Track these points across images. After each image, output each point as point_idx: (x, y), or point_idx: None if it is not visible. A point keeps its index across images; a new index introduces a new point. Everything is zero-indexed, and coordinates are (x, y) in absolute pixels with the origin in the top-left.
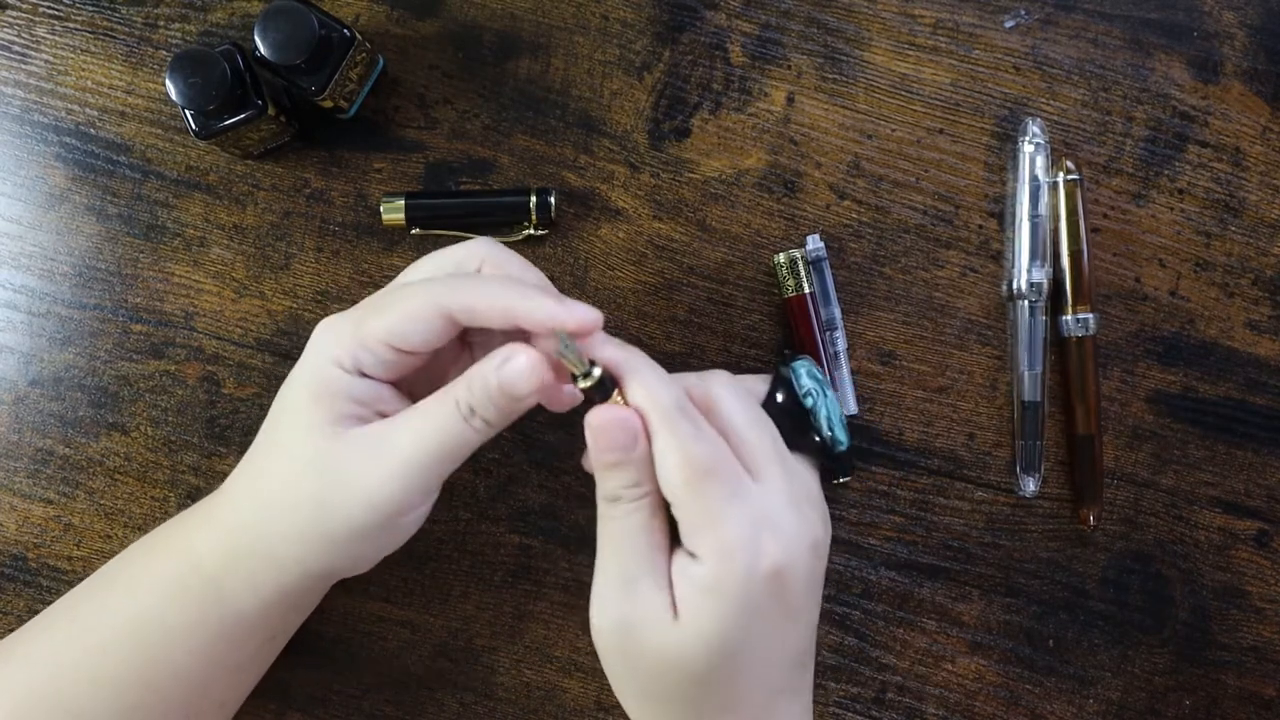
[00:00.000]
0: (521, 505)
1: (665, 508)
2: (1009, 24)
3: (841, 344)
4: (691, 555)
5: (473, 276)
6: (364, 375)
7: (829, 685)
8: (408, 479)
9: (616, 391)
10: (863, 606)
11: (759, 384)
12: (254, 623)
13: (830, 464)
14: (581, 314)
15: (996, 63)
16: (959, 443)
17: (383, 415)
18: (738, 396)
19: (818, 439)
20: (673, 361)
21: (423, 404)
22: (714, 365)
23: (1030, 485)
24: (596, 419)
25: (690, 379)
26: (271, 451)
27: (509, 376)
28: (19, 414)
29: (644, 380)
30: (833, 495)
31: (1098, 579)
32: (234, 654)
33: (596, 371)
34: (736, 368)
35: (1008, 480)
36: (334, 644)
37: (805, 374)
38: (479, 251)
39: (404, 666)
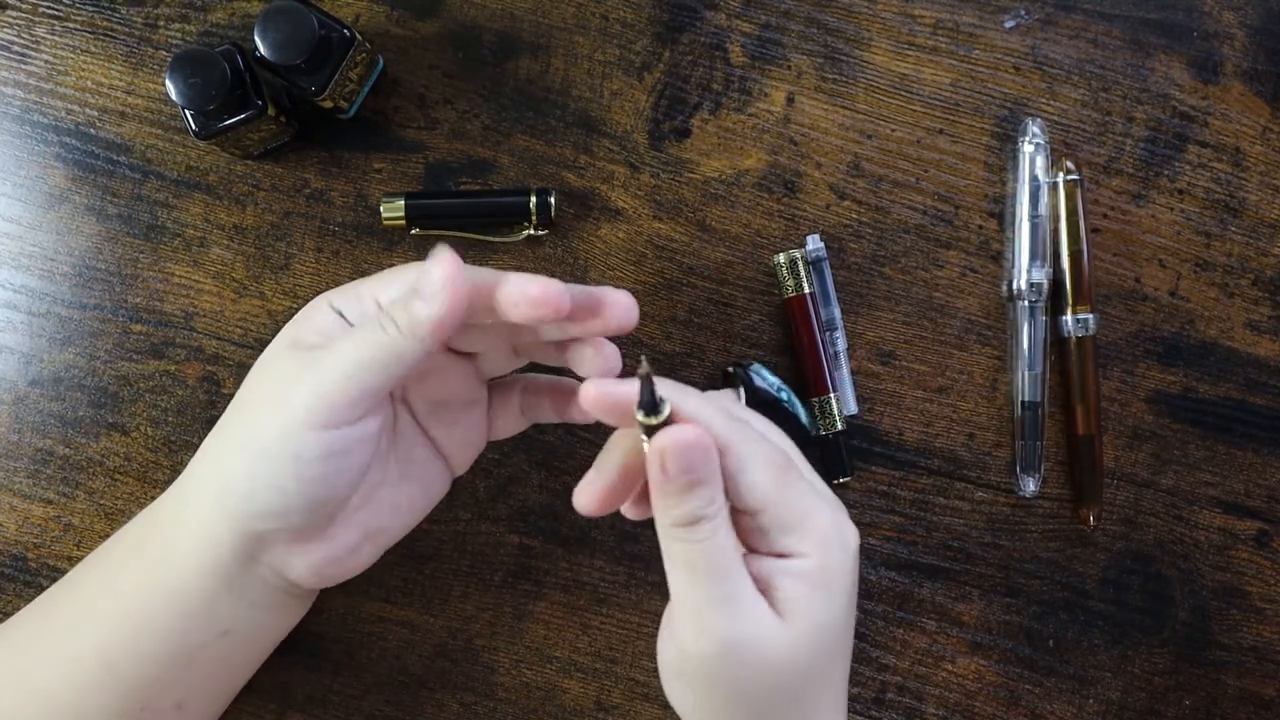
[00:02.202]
0: (521, 505)
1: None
2: (1009, 24)
3: (841, 344)
4: (783, 555)
5: (450, 263)
6: (341, 314)
7: None
8: (321, 383)
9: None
10: (863, 606)
11: (731, 396)
12: (198, 599)
13: (803, 449)
14: (536, 290)
15: (996, 63)
16: (959, 443)
17: None
18: (740, 407)
19: (801, 428)
20: (673, 361)
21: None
22: (714, 365)
23: (1030, 485)
24: (668, 442)
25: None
26: (233, 412)
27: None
28: (19, 414)
29: (695, 396)
30: None
31: (1098, 579)
32: (184, 637)
33: (667, 409)
34: (736, 368)
35: (1008, 480)
36: (334, 644)
37: (767, 372)
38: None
39: (404, 666)
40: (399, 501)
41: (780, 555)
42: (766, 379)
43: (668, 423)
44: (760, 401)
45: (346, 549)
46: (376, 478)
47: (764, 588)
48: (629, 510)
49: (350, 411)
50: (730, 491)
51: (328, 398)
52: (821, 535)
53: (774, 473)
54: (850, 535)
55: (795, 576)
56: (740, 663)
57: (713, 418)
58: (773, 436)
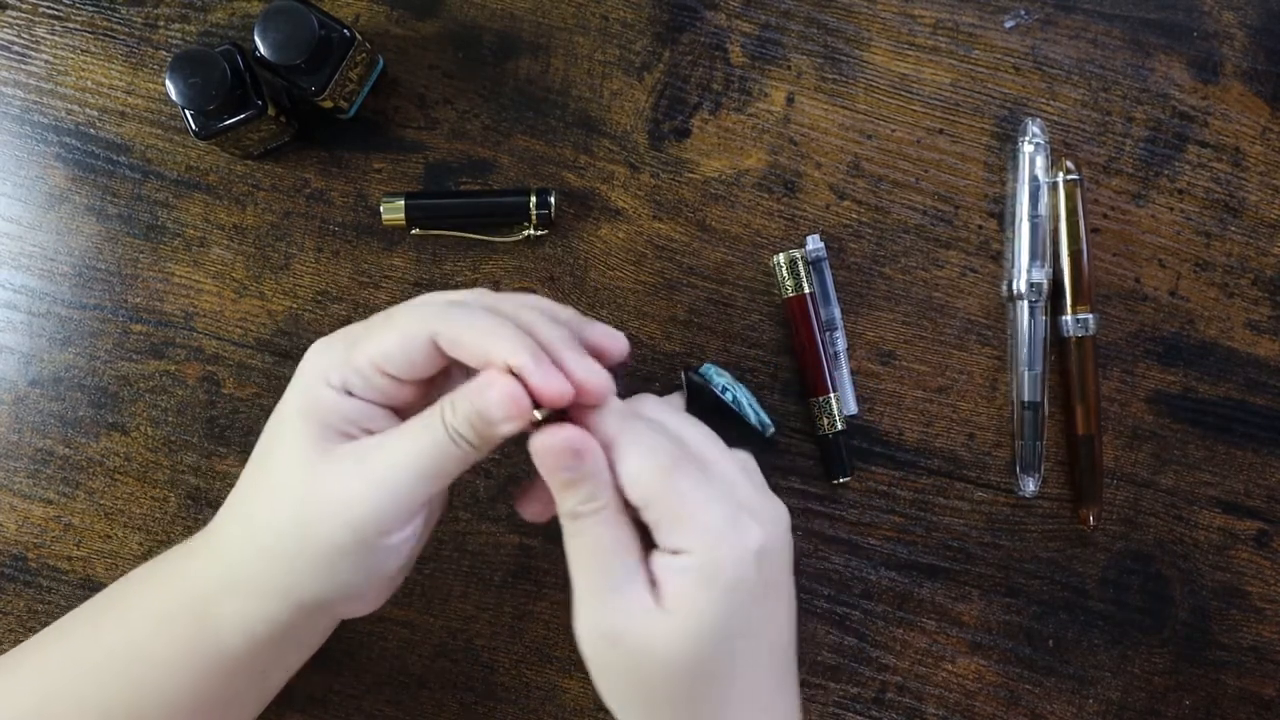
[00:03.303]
0: None
1: (626, 515)
2: (1009, 24)
3: (841, 344)
4: (674, 552)
5: (467, 308)
6: (353, 395)
7: (829, 685)
8: (387, 493)
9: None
10: (863, 606)
11: (676, 399)
12: (243, 659)
13: (762, 450)
14: (553, 388)
15: (996, 63)
16: (959, 443)
17: (370, 434)
18: (666, 406)
19: (750, 428)
20: (673, 361)
21: (409, 421)
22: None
23: (1030, 485)
24: (541, 442)
25: (632, 401)
26: (259, 474)
27: (484, 403)
28: (19, 414)
29: (598, 412)
30: (832, 495)
31: (1098, 579)
32: (223, 690)
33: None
34: (736, 368)
35: (1008, 480)
36: (334, 644)
37: (715, 374)
38: (482, 300)
39: (404, 666)
40: (428, 520)
41: (672, 552)
42: (714, 380)
43: (550, 421)
44: (705, 404)
45: (391, 589)
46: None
47: (655, 582)
48: (525, 512)
49: (418, 513)
50: (620, 485)
51: (398, 507)
52: (707, 532)
53: (656, 469)
54: (750, 535)
55: (679, 572)
56: (621, 652)
57: (601, 413)
58: (686, 432)
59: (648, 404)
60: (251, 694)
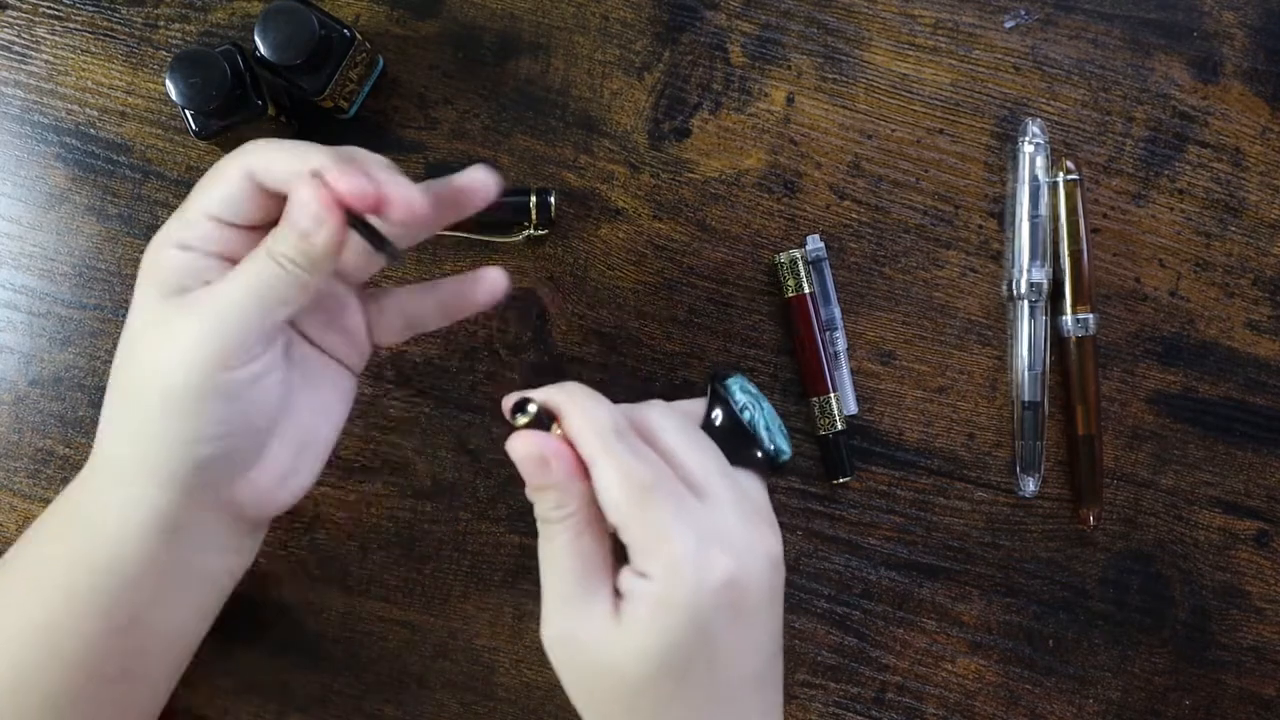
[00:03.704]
0: (521, 505)
1: (599, 528)
2: (1009, 24)
3: (841, 344)
4: (641, 575)
5: (281, 141)
6: (192, 248)
7: (829, 685)
8: (216, 323)
9: (555, 424)
10: (863, 606)
11: (696, 406)
12: (135, 561)
13: (775, 475)
14: (356, 185)
15: (996, 63)
16: (959, 443)
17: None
18: (673, 420)
19: (760, 453)
20: (673, 361)
21: (241, 263)
22: (714, 366)
23: (1030, 485)
24: (514, 446)
25: (626, 408)
26: (117, 353)
27: (296, 214)
28: (19, 414)
29: (580, 407)
30: (832, 495)
31: (1098, 579)
32: (123, 601)
33: (532, 408)
34: (737, 368)
35: (1008, 480)
36: (334, 644)
37: (739, 390)
38: (243, 165)
39: (404, 666)
40: (315, 406)
41: (638, 574)
42: (735, 396)
43: (539, 422)
44: (723, 428)
45: (286, 466)
46: (286, 389)
47: (622, 597)
48: None
49: (258, 347)
50: (600, 504)
51: (234, 339)
52: (671, 561)
53: (628, 493)
54: (715, 570)
55: (640, 597)
56: (576, 657)
57: (580, 432)
58: (680, 452)
59: (652, 413)
60: (158, 617)
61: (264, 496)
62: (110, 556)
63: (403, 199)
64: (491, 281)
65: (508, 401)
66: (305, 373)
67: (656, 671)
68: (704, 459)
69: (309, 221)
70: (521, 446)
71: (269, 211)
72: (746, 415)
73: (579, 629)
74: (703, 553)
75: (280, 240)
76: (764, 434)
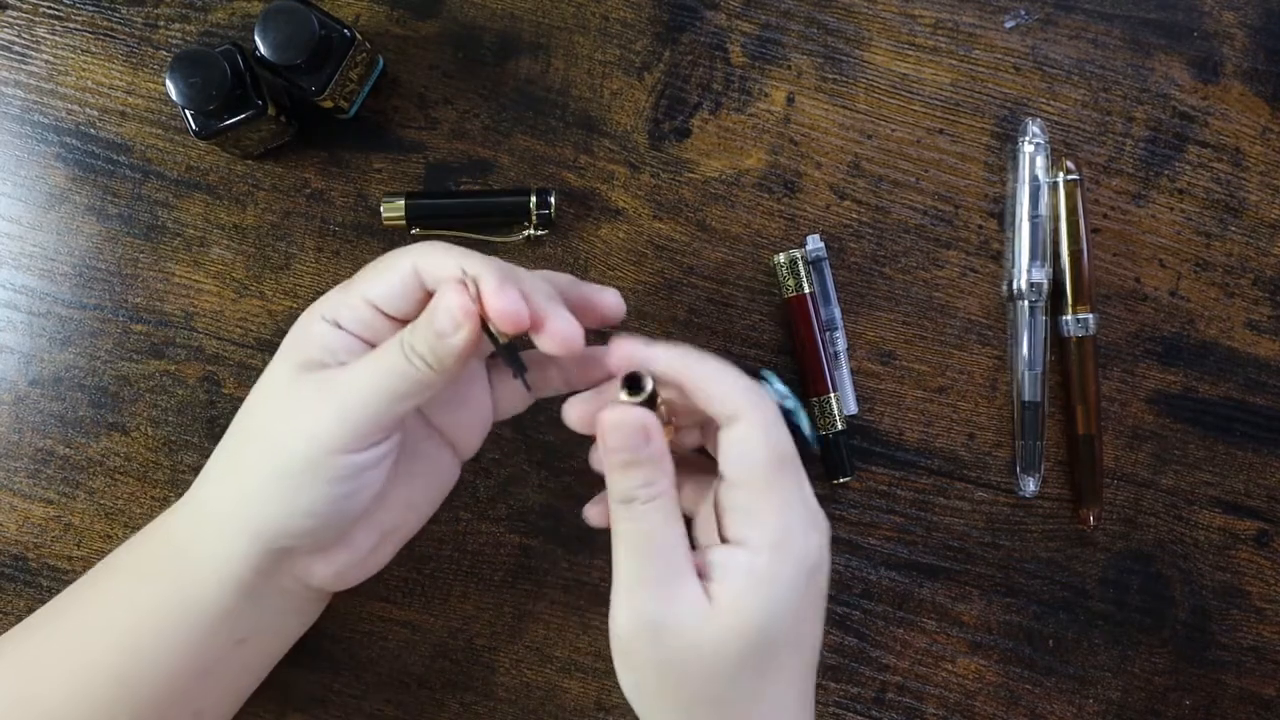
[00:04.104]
0: (521, 505)
1: (679, 511)
2: (1009, 24)
3: (841, 344)
4: (737, 544)
5: (453, 246)
6: (343, 328)
7: (829, 685)
8: (343, 407)
9: (660, 406)
10: (863, 606)
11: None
12: (218, 613)
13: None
14: (509, 305)
15: (996, 63)
16: (959, 443)
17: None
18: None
19: (801, 439)
20: None
21: (376, 349)
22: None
23: (1030, 485)
24: (612, 416)
25: None
26: (243, 409)
27: (436, 315)
28: (19, 414)
29: (718, 367)
30: (833, 495)
31: (1098, 579)
32: (202, 650)
33: (649, 385)
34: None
35: (1008, 480)
36: (334, 644)
37: (777, 381)
38: (410, 258)
39: (404, 666)
40: (412, 497)
41: (736, 543)
42: (775, 388)
43: (648, 403)
44: None
45: (366, 551)
46: (390, 479)
47: (709, 575)
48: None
49: (377, 435)
50: (726, 457)
51: (356, 425)
52: (781, 536)
53: (770, 456)
54: (812, 545)
55: (739, 570)
56: (665, 643)
57: (722, 383)
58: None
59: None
60: (230, 664)
61: (337, 575)
62: (198, 605)
63: (561, 331)
64: (607, 304)
65: (616, 365)
66: (413, 460)
67: (750, 651)
68: (790, 441)
69: (446, 323)
70: (625, 417)
71: (423, 302)
72: (789, 404)
73: (669, 613)
74: (806, 532)
75: (414, 334)
76: (804, 424)
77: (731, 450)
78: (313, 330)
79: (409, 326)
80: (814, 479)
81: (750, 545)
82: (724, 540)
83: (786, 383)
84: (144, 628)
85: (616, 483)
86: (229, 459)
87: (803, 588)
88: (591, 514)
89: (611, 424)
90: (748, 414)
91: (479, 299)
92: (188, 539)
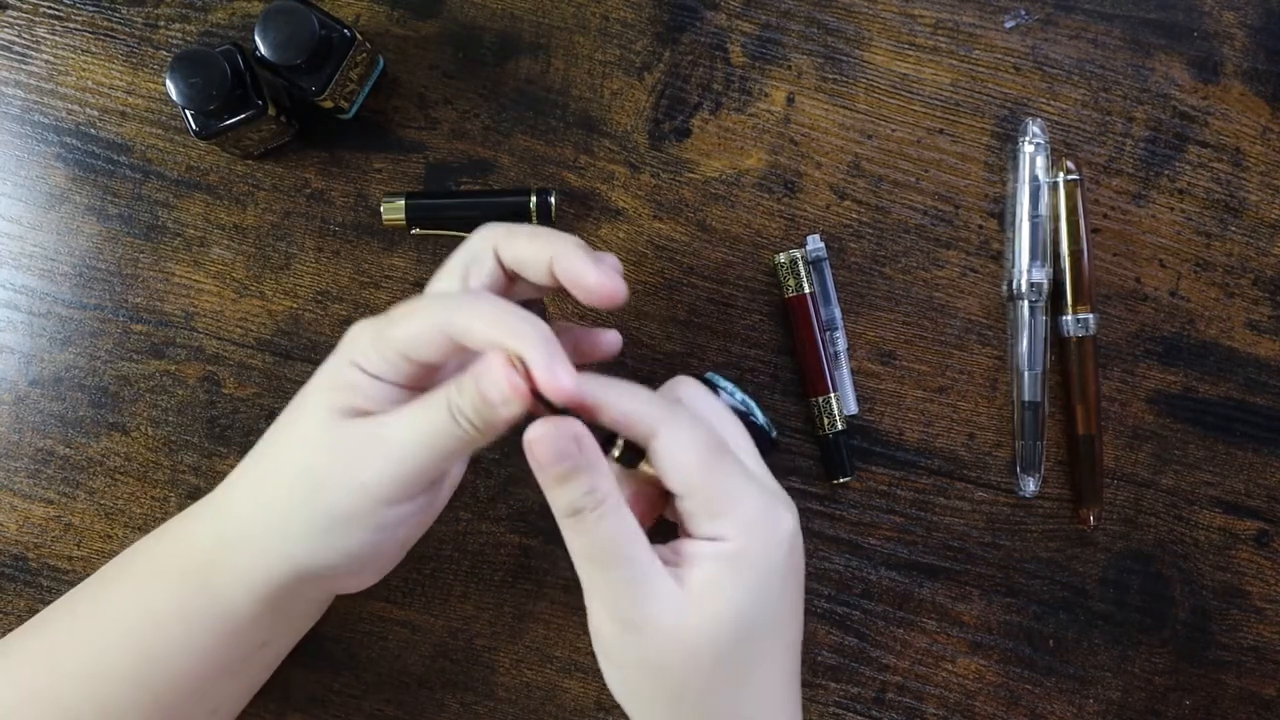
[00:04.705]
0: (521, 505)
1: (628, 510)
2: (1009, 24)
3: (841, 344)
4: (710, 539)
5: (475, 301)
6: (377, 378)
7: (829, 685)
8: (398, 464)
9: (643, 461)
10: (863, 606)
11: (686, 384)
12: (244, 621)
13: (766, 453)
14: (559, 382)
15: (996, 63)
16: (959, 443)
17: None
18: (704, 392)
19: (756, 430)
20: (673, 361)
21: (421, 398)
22: (714, 365)
23: (1030, 485)
24: (537, 433)
25: (662, 388)
26: (277, 438)
27: (484, 386)
28: (19, 414)
29: (626, 392)
30: (833, 495)
31: (1098, 579)
32: (225, 654)
33: (622, 441)
34: (737, 367)
35: (1008, 480)
36: (334, 644)
37: (721, 378)
38: (488, 239)
39: (404, 666)
40: (433, 505)
41: (707, 539)
42: (723, 387)
43: (632, 450)
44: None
45: (391, 566)
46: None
47: (684, 568)
48: None
49: (423, 487)
50: (662, 476)
51: (406, 481)
52: (746, 520)
53: (701, 456)
54: (783, 522)
55: (714, 559)
56: (645, 641)
57: (632, 404)
58: (718, 423)
59: (683, 387)
60: (250, 666)
61: (363, 584)
62: (224, 614)
63: (621, 411)
64: (609, 342)
65: (566, 441)
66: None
67: (732, 636)
68: (737, 426)
69: (495, 396)
70: (548, 430)
71: (455, 355)
72: (737, 400)
73: (645, 613)
74: (770, 509)
75: (461, 396)
76: (758, 413)
77: (661, 465)
78: (348, 377)
79: (454, 385)
80: (771, 468)
81: (719, 536)
82: (694, 536)
83: (749, 382)
84: (165, 634)
85: (558, 497)
86: (263, 489)
87: (779, 567)
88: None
89: (538, 438)
90: (661, 427)
91: (527, 374)
92: (214, 550)
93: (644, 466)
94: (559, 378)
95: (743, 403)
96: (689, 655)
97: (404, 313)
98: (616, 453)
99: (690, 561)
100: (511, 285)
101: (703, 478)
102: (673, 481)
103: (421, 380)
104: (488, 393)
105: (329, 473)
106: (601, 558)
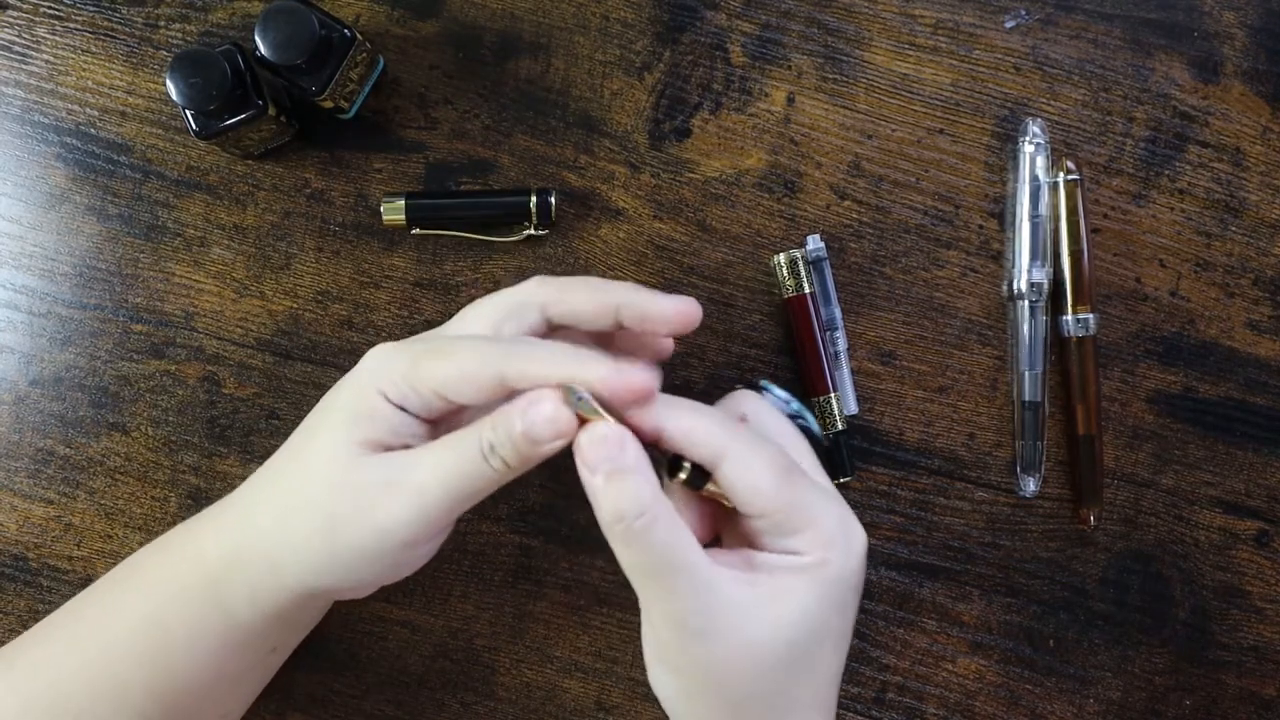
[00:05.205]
0: (521, 505)
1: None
2: (1009, 24)
3: (842, 344)
4: (790, 553)
5: (531, 344)
6: (403, 409)
7: None
8: (421, 510)
9: (710, 482)
10: (863, 606)
11: (745, 398)
12: (253, 633)
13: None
14: (637, 382)
15: (997, 63)
16: (959, 443)
17: (409, 445)
18: (767, 406)
19: (812, 439)
20: (673, 361)
21: (447, 438)
22: (714, 365)
23: (1030, 485)
24: (586, 435)
25: (723, 401)
26: (295, 461)
27: (531, 422)
28: (19, 414)
29: (691, 415)
30: None
31: (1098, 579)
32: (234, 662)
33: (688, 464)
34: (737, 368)
35: (1008, 480)
36: (334, 644)
37: (777, 387)
38: (538, 294)
39: (404, 666)
40: (448, 529)
41: (783, 553)
42: (776, 395)
43: (699, 473)
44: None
45: (395, 576)
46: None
47: (757, 577)
48: None
49: (442, 528)
50: (733, 498)
51: (429, 524)
52: (825, 537)
53: (776, 477)
54: (856, 537)
55: (790, 571)
56: (716, 650)
57: (697, 424)
58: (783, 439)
59: (750, 402)
60: (258, 670)
61: (369, 592)
62: (235, 626)
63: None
64: (663, 349)
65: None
66: None
67: (799, 643)
68: (800, 442)
69: (545, 432)
70: (598, 430)
71: (497, 398)
72: (793, 406)
73: (711, 619)
74: (844, 525)
75: (496, 433)
76: (812, 422)
77: (732, 488)
78: (375, 408)
79: (487, 424)
80: (856, 489)
81: (799, 551)
82: (768, 550)
83: (785, 385)
84: (175, 646)
85: (604, 502)
86: (282, 516)
87: (851, 581)
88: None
89: (587, 439)
90: (731, 449)
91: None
92: (227, 566)
93: (710, 486)
94: (632, 376)
95: (798, 411)
96: (755, 663)
97: (444, 350)
98: (684, 476)
99: (764, 572)
100: (550, 334)
101: (780, 499)
102: (746, 504)
103: (445, 416)
104: (536, 430)
105: (350, 516)
106: (658, 566)
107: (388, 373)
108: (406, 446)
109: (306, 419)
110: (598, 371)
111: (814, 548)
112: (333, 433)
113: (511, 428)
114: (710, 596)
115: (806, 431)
